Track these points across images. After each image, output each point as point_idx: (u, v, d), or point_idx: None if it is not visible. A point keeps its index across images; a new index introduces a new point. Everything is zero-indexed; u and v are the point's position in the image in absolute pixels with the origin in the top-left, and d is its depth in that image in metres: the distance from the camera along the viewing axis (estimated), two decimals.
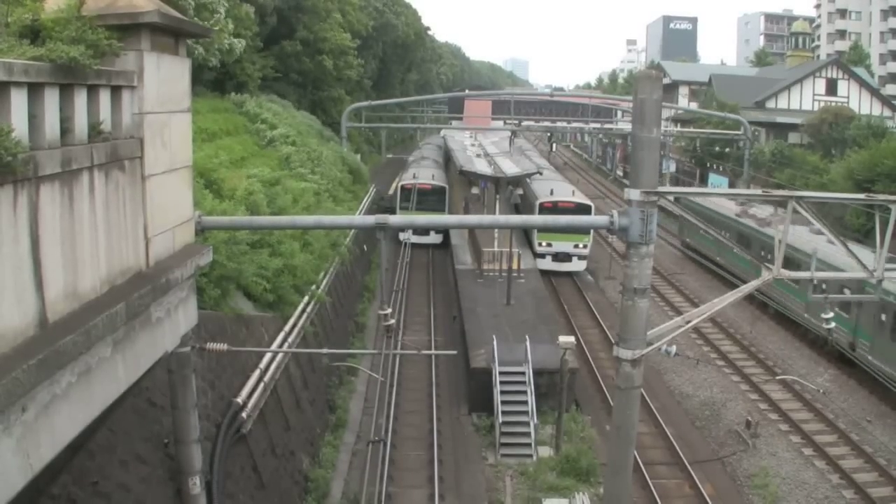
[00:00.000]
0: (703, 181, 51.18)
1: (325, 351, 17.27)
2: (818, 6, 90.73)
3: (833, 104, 49.21)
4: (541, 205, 36.18)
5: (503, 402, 19.85)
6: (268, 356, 14.76)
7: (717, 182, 48.38)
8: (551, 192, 37.04)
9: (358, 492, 16.06)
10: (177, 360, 9.08)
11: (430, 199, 39.37)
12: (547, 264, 35.37)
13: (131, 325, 6.72)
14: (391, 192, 45.39)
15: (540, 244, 35.61)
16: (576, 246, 35.75)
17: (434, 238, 39.44)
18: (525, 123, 65.21)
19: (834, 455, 18.97)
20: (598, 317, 30.38)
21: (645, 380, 12.20)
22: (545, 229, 34.11)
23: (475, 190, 35.38)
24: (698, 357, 25.75)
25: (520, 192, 32.95)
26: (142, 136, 7.16)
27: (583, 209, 35.11)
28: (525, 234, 37.26)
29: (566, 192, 37.91)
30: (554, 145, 78.24)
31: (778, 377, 23.79)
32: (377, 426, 18.53)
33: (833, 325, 12.83)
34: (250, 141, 29.28)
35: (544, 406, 20.43)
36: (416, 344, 24.14)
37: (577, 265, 36.17)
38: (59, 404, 5.50)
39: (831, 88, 54.04)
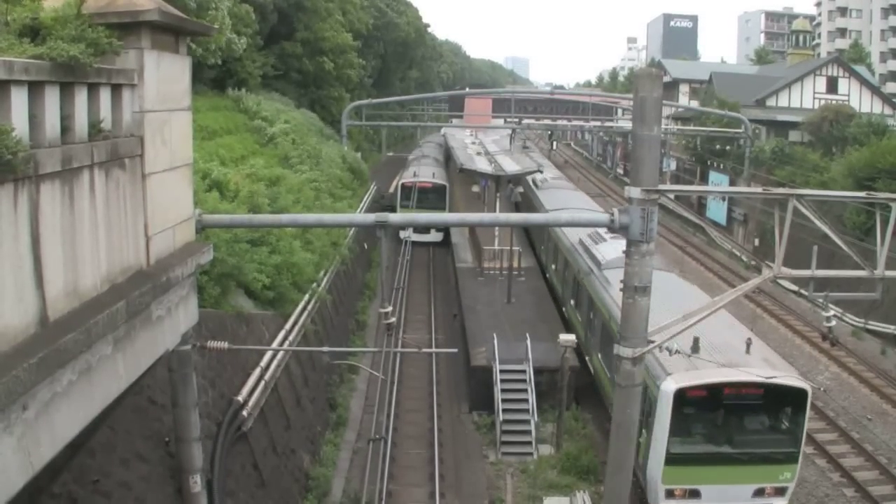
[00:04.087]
0: (704, 179, 51.12)
1: (325, 349, 17.29)
2: (818, 4, 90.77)
3: (833, 102, 49.10)
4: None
5: (504, 401, 19.84)
6: (268, 354, 14.77)
7: (718, 180, 48.31)
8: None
9: (358, 490, 16.05)
10: (177, 359, 9.09)
11: (430, 197, 39.37)
12: None
13: (132, 323, 6.72)
14: (391, 190, 45.38)
15: (671, 494, 14.49)
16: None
17: (434, 236, 39.41)
18: (525, 122, 65.06)
19: (834, 453, 18.95)
20: None
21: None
22: (678, 459, 14.21)
23: (475, 188, 35.09)
24: None
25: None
26: (142, 135, 7.15)
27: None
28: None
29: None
30: (554, 143, 78.21)
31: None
32: (378, 424, 18.51)
33: (834, 322, 12.82)
34: (250, 139, 29.26)
35: (545, 404, 20.42)
36: (416, 342, 24.11)
37: None
38: (59, 403, 5.51)
39: (832, 86, 53.92)
